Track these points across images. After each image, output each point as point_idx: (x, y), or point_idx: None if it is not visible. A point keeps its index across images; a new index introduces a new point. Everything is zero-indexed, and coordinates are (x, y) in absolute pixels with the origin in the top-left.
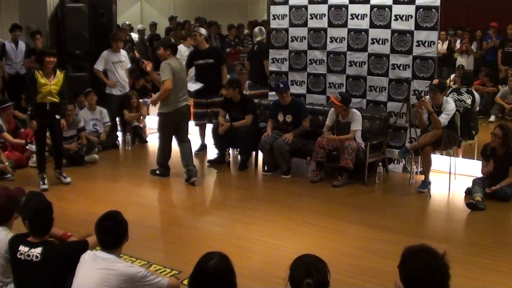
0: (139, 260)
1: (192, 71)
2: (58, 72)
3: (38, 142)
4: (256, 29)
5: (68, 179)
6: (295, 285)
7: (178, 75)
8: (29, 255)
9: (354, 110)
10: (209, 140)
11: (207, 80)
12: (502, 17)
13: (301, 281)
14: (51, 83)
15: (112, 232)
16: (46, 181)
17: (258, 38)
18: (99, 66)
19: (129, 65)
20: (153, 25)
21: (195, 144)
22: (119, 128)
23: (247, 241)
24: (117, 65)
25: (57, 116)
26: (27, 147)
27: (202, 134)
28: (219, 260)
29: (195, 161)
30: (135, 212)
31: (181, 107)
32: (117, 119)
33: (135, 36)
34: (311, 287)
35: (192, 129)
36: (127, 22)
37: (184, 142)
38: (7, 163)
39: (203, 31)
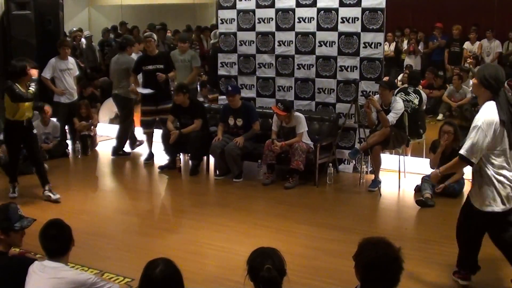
0: (91, 269)
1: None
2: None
3: (12, 151)
4: (212, 33)
5: (58, 196)
6: (255, 274)
7: None
8: None
9: (296, 113)
10: (159, 146)
11: (157, 87)
12: (447, 18)
13: (261, 267)
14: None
15: (57, 239)
16: (17, 190)
17: (213, 41)
18: (46, 74)
19: (77, 73)
20: (107, 31)
21: (143, 153)
22: (68, 136)
23: (200, 246)
24: (65, 73)
25: (34, 131)
26: None
27: (150, 142)
28: (165, 266)
29: (144, 171)
30: (87, 221)
31: None
32: (66, 127)
33: (83, 41)
34: (272, 271)
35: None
36: (74, 28)
37: None
38: None
39: (155, 36)
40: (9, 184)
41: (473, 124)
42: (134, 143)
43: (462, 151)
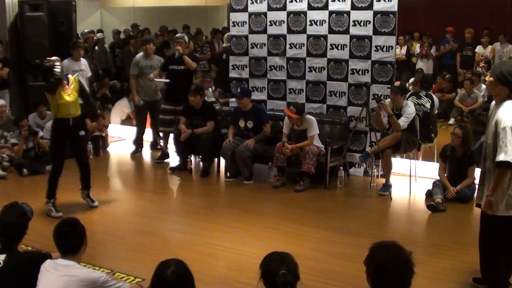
0: (102, 269)
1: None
2: (70, 77)
3: (55, 154)
4: (224, 36)
5: (96, 203)
6: (269, 279)
7: None
8: None
9: (308, 116)
10: (171, 148)
11: (177, 87)
12: (459, 22)
13: (275, 272)
14: (69, 93)
15: (70, 236)
16: (57, 208)
17: (225, 45)
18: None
19: (89, 74)
20: (117, 33)
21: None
22: None
23: (210, 247)
24: (77, 74)
25: (81, 133)
26: None
27: (166, 141)
28: (176, 267)
29: (155, 172)
30: (98, 221)
31: None
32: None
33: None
34: (287, 276)
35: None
36: (86, 30)
37: None
38: None
39: (186, 38)
40: (48, 202)
41: (501, 126)
42: (156, 145)
43: (505, 158)
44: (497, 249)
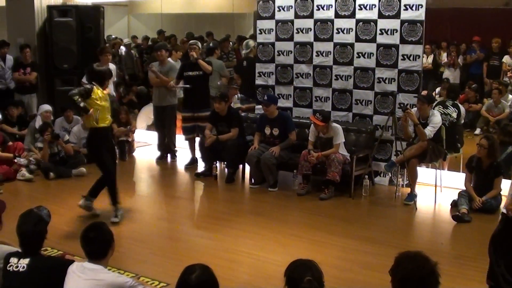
0: (127, 273)
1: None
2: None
3: (108, 170)
4: (244, 43)
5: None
6: (293, 286)
7: None
8: (17, 266)
9: (334, 124)
10: (198, 154)
11: (195, 93)
12: (485, 31)
13: (301, 279)
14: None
15: (97, 242)
16: (119, 213)
17: (245, 52)
18: (87, 79)
19: (115, 79)
20: (145, 39)
21: (185, 158)
22: None
23: (234, 253)
24: None
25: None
26: (15, 160)
27: (192, 148)
28: (202, 272)
29: (186, 174)
30: (123, 225)
31: None
32: None
33: (122, 49)
34: (312, 283)
35: (182, 143)
36: (113, 36)
37: None
38: None
39: (199, 44)
40: (112, 206)
41: None
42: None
43: None
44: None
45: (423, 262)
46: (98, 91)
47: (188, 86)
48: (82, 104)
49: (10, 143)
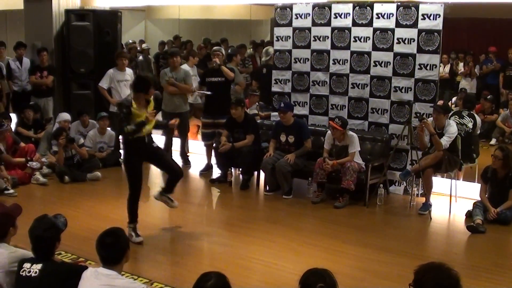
0: (141, 278)
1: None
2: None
3: (134, 176)
4: (263, 50)
5: (176, 204)
6: None
7: None
8: (29, 271)
9: (350, 132)
10: (213, 160)
11: (216, 99)
12: (502, 41)
13: (314, 286)
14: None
15: (112, 248)
16: (139, 232)
17: (264, 59)
18: (104, 83)
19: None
20: (161, 44)
21: (201, 164)
22: (121, 146)
23: (247, 260)
24: (121, 84)
25: (154, 144)
26: (28, 164)
27: (209, 154)
28: (216, 280)
29: (200, 180)
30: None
31: None
32: (120, 137)
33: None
34: None
35: (199, 148)
36: (130, 41)
37: None
38: (9, 177)
39: (223, 50)
40: (129, 227)
41: None
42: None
43: None
44: None
45: (448, 273)
46: (132, 103)
47: (209, 93)
48: (133, 127)
49: (22, 144)
